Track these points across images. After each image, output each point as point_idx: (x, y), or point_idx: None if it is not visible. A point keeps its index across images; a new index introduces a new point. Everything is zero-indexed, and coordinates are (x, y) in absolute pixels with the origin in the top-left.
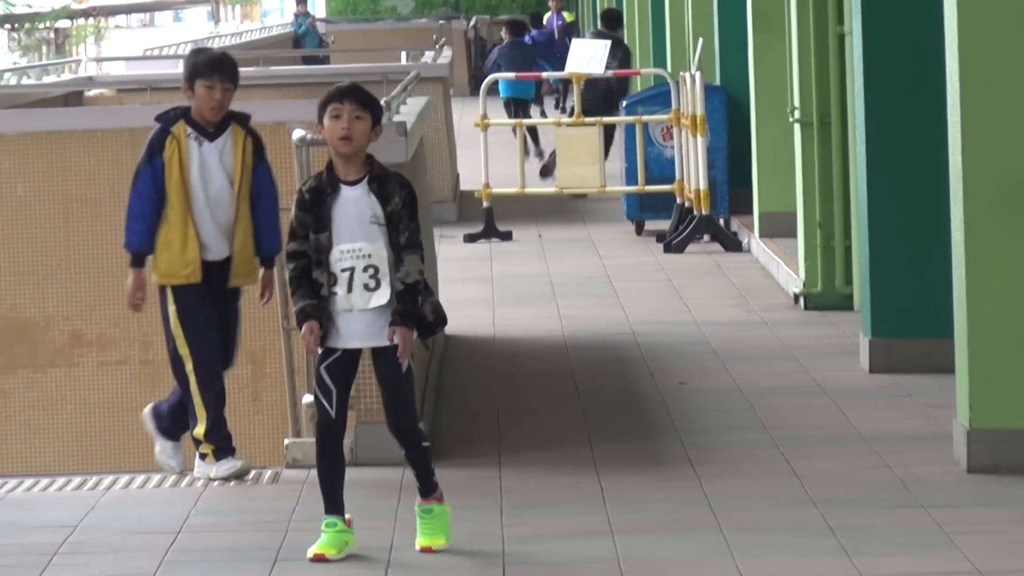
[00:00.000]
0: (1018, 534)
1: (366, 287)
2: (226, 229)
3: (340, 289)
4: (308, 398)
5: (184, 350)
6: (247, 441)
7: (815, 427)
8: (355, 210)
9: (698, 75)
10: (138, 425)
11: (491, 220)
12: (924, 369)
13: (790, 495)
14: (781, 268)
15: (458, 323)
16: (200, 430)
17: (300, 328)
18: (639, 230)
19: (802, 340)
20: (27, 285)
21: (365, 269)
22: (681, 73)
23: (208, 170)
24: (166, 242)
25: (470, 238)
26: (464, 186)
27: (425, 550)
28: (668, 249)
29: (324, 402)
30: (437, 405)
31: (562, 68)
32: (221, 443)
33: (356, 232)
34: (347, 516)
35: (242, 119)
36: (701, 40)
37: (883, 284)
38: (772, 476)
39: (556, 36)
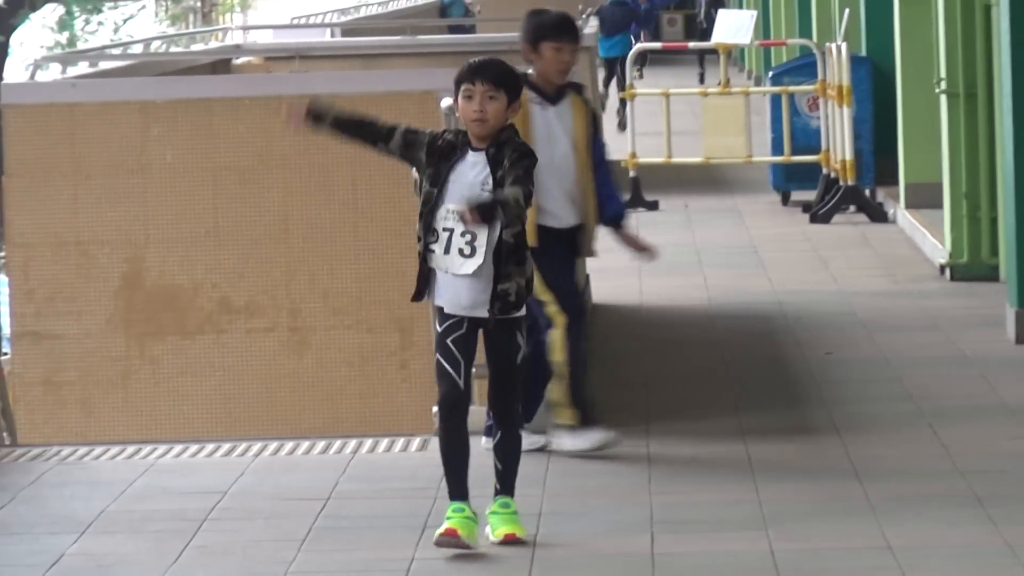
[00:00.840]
0: None
1: (461, 252)
2: (570, 196)
3: (438, 248)
4: None
5: (546, 296)
6: (395, 409)
7: (961, 397)
8: (471, 175)
9: (844, 46)
10: (286, 391)
11: (638, 190)
12: None
13: (937, 465)
14: (927, 239)
15: (605, 292)
16: (560, 392)
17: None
18: (785, 200)
19: (948, 311)
20: (175, 252)
21: (463, 234)
22: (827, 44)
23: (553, 135)
24: None
25: None
26: (611, 156)
27: (509, 538)
28: (814, 219)
29: (451, 372)
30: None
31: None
32: (583, 410)
33: (465, 196)
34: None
35: (578, 88)
36: (847, 11)
37: None
38: (918, 446)
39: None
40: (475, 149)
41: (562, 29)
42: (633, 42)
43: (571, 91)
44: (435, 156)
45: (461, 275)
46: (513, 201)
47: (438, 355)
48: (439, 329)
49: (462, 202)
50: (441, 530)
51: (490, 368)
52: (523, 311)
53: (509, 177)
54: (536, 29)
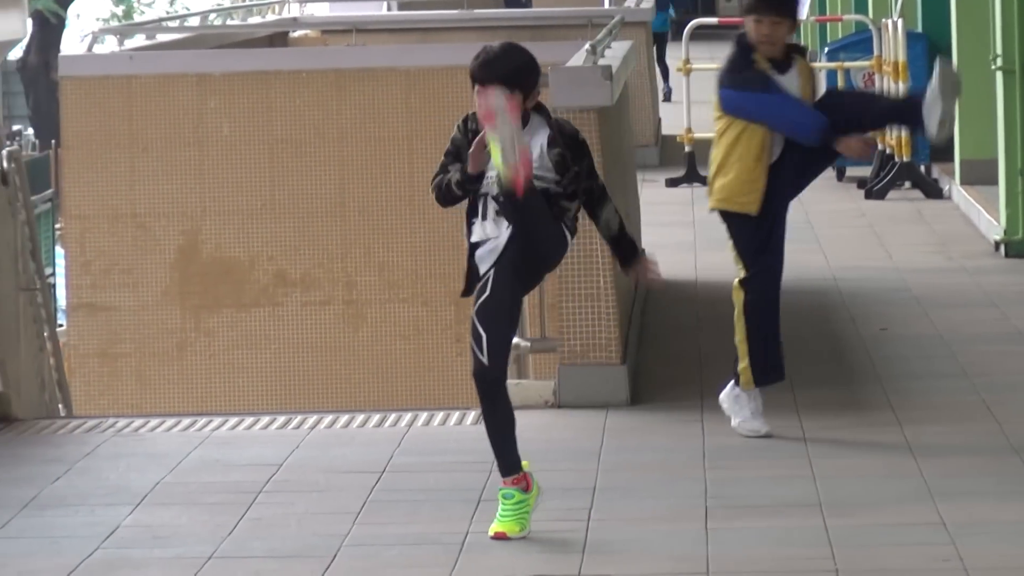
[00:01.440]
0: None
1: (497, 213)
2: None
3: (477, 220)
4: (513, 339)
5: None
6: (450, 382)
7: (1016, 374)
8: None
9: (900, 22)
10: (341, 364)
11: (693, 165)
12: None
13: (991, 442)
14: (982, 215)
15: (660, 267)
16: (743, 365)
17: (464, 178)
18: (840, 176)
19: (1003, 287)
20: (232, 225)
21: (495, 197)
22: (883, 20)
23: None
24: (731, 166)
25: (672, 182)
26: (666, 131)
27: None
28: (869, 195)
29: (476, 349)
30: (640, 349)
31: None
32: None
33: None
34: (523, 465)
35: (802, 51)
36: None
37: None
38: (973, 422)
39: None
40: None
41: (760, 3)
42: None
43: (797, 55)
44: (465, 133)
45: (500, 236)
46: (622, 217)
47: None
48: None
49: (648, 270)
50: (492, 532)
51: None
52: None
53: (588, 181)
54: (743, 3)
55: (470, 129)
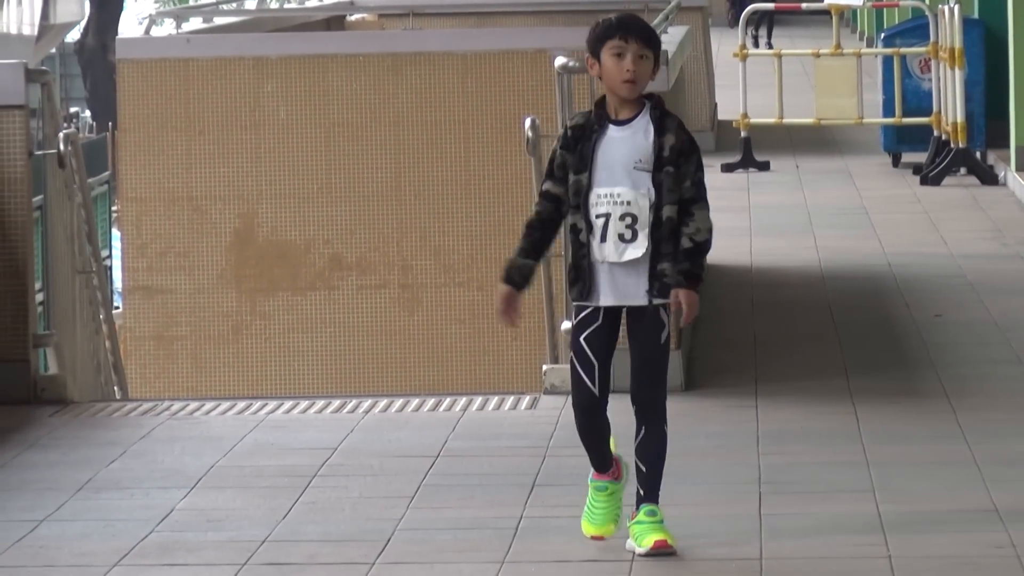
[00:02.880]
0: None
1: (621, 237)
2: None
3: (593, 239)
4: (566, 324)
5: None
6: (506, 368)
7: None
8: (621, 152)
9: (956, 8)
10: (396, 348)
11: (749, 150)
12: None
13: None
14: None
15: (716, 252)
16: None
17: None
18: (896, 162)
19: None
20: (288, 208)
21: (622, 217)
22: (940, 6)
23: None
24: None
25: (728, 168)
26: (722, 116)
27: (659, 545)
28: (924, 181)
29: (585, 378)
30: (695, 334)
31: None
32: None
33: (617, 176)
34: (615, 453)
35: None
36: None
37: None
38: None
39: None
40: (618, 122)
41: None
42: None
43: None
44: (570, 146)
45: (624, 263)
46: (710, 238)
47: (572, 356)
48: (573, 322)
49: (688, 311)
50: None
51: (632, 360)
52: None
53: (688, 183)
54: None
55: (571, 137)
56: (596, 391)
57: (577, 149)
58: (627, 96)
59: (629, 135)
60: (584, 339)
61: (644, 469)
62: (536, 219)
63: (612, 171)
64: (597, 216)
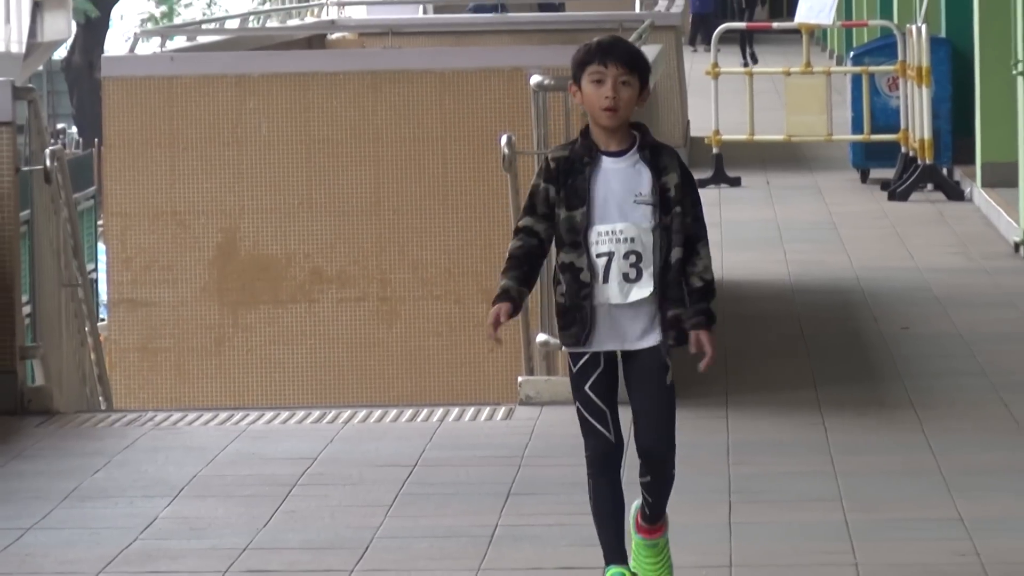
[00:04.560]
0: None
1: (625, 277)
2: None
3: (595, 280)
4: (541, 337)
5: None
6: (482, 379)
7: None
8: (619, 186)
9: (924, 27)
10: (375, 360)
11: (720, 166)
12: None
13: (1009, 440)
14: (1002, 217)
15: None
16: None
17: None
18: (864, 178)
19: (1022, 288)
20: (269, 223)
21: (626, 256)
22: (908, 25)
23: None
24: None
25: (700, 184)
26: (694, 133)
27: None
28: (892, 197)
29: (599, 427)
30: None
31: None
32: None
33: (616, 212)
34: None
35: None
36: None
37: None
38: (991, 420)
39: None
40: (611, 154)
41: None
42: None
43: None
44: (555, 179)
45: (629, 303)
46: (711, 275)
47: (578, 406)
48: (573, 371)
49: (711, 354)
50: None
51: (634, 406)
52: None
53: (690, 218)
54: None
55: (556, 170)
56: (612, 437)
57: (567, 183)
58: (608, 124)
59: (625, 167)
60: (589, 388)
61: (651, 500)
62: (521, 252)
63: (612, 206)
64: (599, 255)
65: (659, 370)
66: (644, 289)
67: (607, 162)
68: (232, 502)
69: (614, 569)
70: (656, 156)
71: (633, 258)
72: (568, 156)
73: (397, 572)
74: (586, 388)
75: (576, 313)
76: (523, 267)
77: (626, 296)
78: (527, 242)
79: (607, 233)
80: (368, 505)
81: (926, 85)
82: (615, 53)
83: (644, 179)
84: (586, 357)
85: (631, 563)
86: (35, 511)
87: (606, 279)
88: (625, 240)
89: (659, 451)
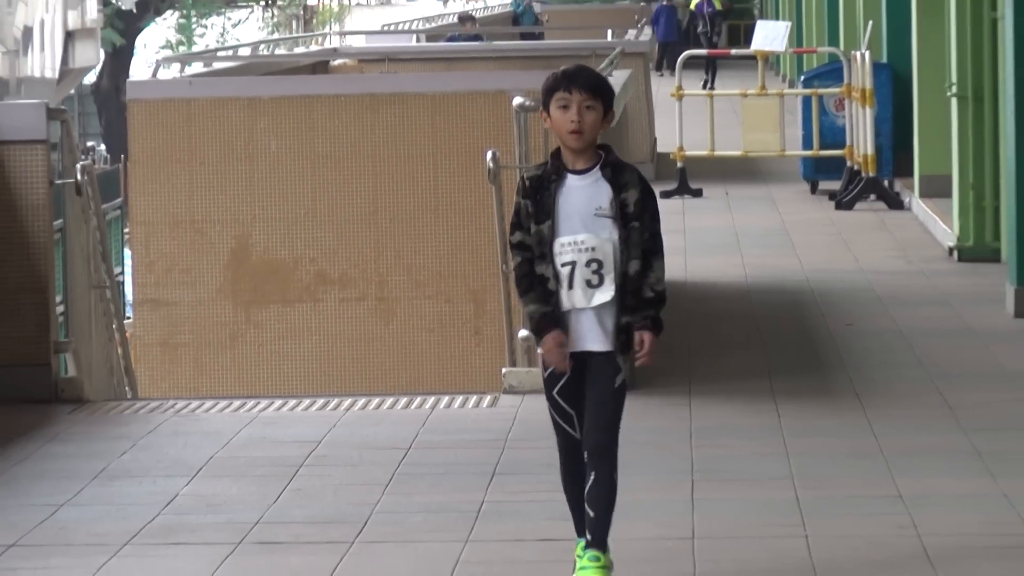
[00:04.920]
0: None
1: (588, 283)
2: None
3: (561, 287)
4: (523, 333)
5: None
6: (469, 370)
7: (966, 365)
8: (580, 201)
9: (867, 54)
10: (373, 353)
11: (684, 179)
12: None
13: (943, 424)
14: (938, 224)
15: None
16: None
17: (537, 336)
18: (813, 189)
19: (955, 288)
20: (278, 231)
21: (588, 264)
22: (852, 52)
23: None
24: None
25: (665, 194)
26: (660, 149)
27: None
28: (839, 207)
29: (566, 427)
30: None
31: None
32: None
33: (579, 223)
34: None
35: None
36: (871, 23)
37: None
38: (927, 407)
39: (705, 19)
40: (576, 171)
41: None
42: None
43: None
44: (530, 195)
45: (590, 308)
46: (663, 286)
47: (550, 408)
48: (545, 376)
49: (650, 352)
50: None
51: (587, 403)
52: None
53: (647, 234)
54: None
55: (530, 187)
56: (577, 436)
57: (536, 199)
58: (574, 146)
59: (587, 184)
60: (557, 393)
61: (592, 515)
62: (523, 270)
63: (574, 219)
64: (563, 264)
65: (611, 373)
66: (606, 293)
67: (572, 179)
68: (245, 481)
69: (591, 553)
70: (617, 174)
71: (595, 266)
72: (540, 175)
73: (393, 543)
74: (554, 393)
75: (541, 321)
76: (536, 284)
77: (590, 300)
78: (525, 256)
79: (570, 244)
80: (367, 483)
81: (869, 106)
82: (579, 80)
83: (604, 194)
84: (565, 376)
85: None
86: (67, 489)
87: (571, 286)
88: (586, 249)
89: (600, 444)
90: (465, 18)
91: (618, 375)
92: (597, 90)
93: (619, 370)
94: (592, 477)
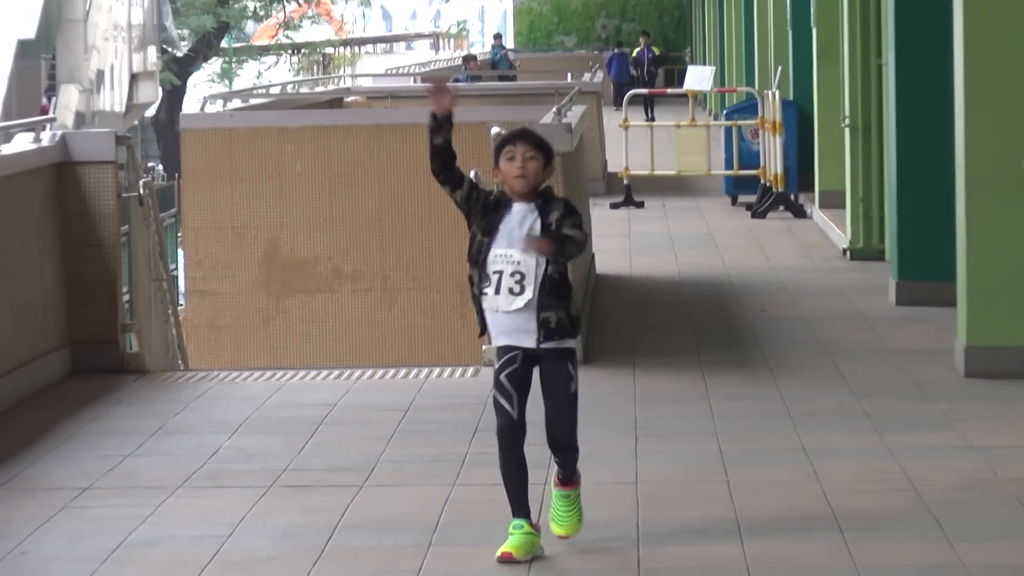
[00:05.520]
0: (999, 420)
1: (511, 291)
2: None
3: (489, 289)
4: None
5: None
6: (455, 347)
7: (856, 344)
8: (517, 221)
9: (777, 93)
10: (379, 334)
11: (629, 193)
12: (935, 303)
13: (838, 391)
14: (834, 230)
15: (605, 266)
16: None
17: (431, 133)
18: (734, 202)
19: (848, 282)
20: (302, 234)
21: (512, 274)
22: (765, 91)
23: None
24: None
25: (614, 206)
26: (611, 169)
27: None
28: (754, 216)
29: (505, 405)
30: (590, 324)
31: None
32: None
33: (512, 241)
34: (534, 521)
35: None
36: (780, 68)
37: (907, 241)
38: (825, 377)
39: (645, 64)
40: (519, 200)
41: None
42: None
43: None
44: (487, 210)
45: (511, 311)
46: (581, 236)
47: (494, 390)
48: (496, 366)
49: (529, 239)
50: (499, 552)
51: (546, 404)
52: (572, 343)
53: (566, 223)
54: None
55: (492, 201)
56: (515, 415)
57: (487, 214)
58: (519, 190)
59: (526, 211)
60: (505, 376)
61: (561, 470)
62: (459, 169)
63: (509, 237)
64: (494, 272)
65: (564, 381)
66: (523, 300)
67: (516, 205)
68: (275, 436)
69: (517, 521)
70: (547, 203)
71: (518, 276)
72: (499, 199)
73: (395, 487)
74: (501, 376)
75: (479, 316)
76: (453, 152)
77: (510, 305)
78: (460, 170)
79: (502, 255)
80: (374, 438)
81: (779, 135)
82: (523, 136)
83: (534, 219)
84: (507, 354)
85: (550, 512)
86: (132, 443)
87: (497, 291)
88: (513, 262)
89: (562, 436)
90: (468, 58)
91: (572, 383)
92: (539, 145)
93: (572, 378)
94: (557, 457)
